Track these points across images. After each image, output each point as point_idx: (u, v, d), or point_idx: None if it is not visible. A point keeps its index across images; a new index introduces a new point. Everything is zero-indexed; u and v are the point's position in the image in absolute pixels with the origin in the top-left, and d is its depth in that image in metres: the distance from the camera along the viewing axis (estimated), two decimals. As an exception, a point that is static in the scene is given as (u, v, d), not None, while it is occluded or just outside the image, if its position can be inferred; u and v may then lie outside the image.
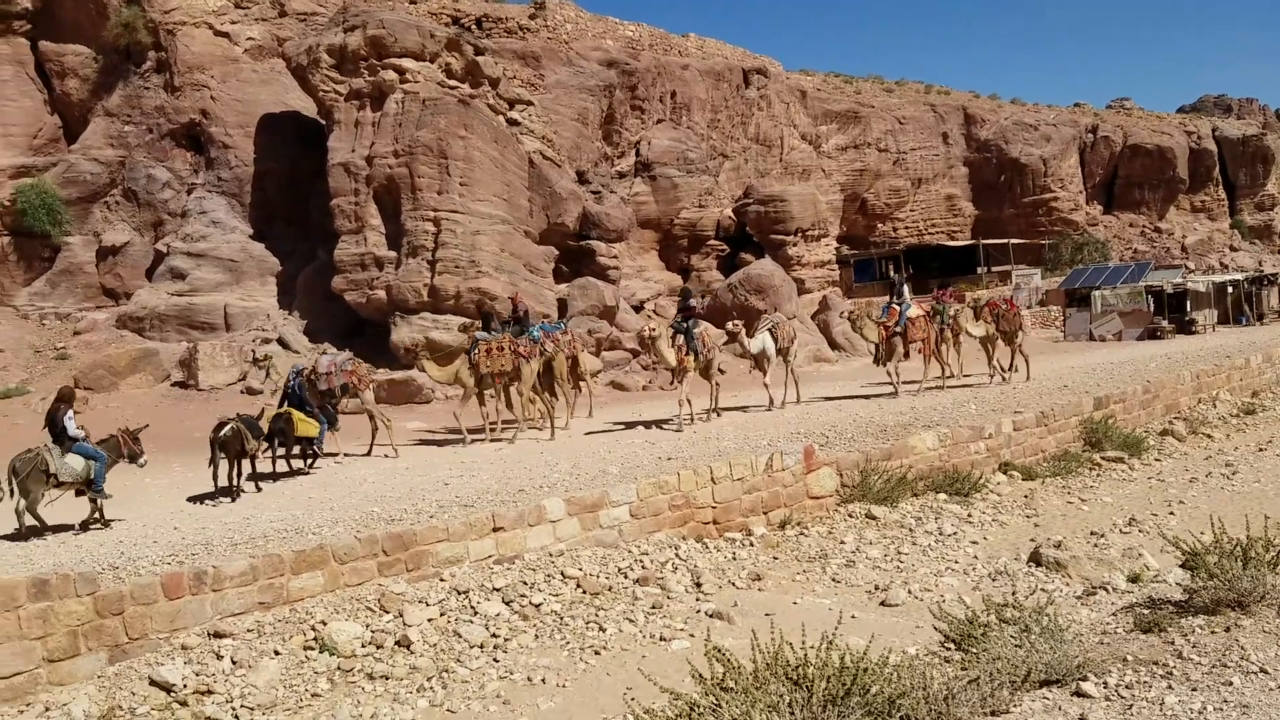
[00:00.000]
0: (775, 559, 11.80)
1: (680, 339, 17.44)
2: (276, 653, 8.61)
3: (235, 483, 13.13)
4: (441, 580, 10.11)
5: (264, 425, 14.02)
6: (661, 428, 17.13)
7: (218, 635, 8.76)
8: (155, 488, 14.24)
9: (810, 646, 5.60)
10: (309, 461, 15.33)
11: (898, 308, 20.27)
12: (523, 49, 31.24)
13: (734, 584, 10.89)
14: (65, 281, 26.40)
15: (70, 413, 11.84)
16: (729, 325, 18.80)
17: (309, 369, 16.23)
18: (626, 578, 10.63)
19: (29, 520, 11.11)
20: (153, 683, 8.17)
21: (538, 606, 9.81)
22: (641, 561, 11.06)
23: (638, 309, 31.02)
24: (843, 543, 12.30)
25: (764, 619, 9.26)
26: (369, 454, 16.36)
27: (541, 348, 17.72)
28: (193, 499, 13.13)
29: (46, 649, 8.27)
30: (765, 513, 12.99)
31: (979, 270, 44.11)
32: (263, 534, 10.31)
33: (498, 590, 10.00)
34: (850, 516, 13.23)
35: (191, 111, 26.58)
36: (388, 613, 9.42)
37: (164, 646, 8.62)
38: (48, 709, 7.90)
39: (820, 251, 35.84)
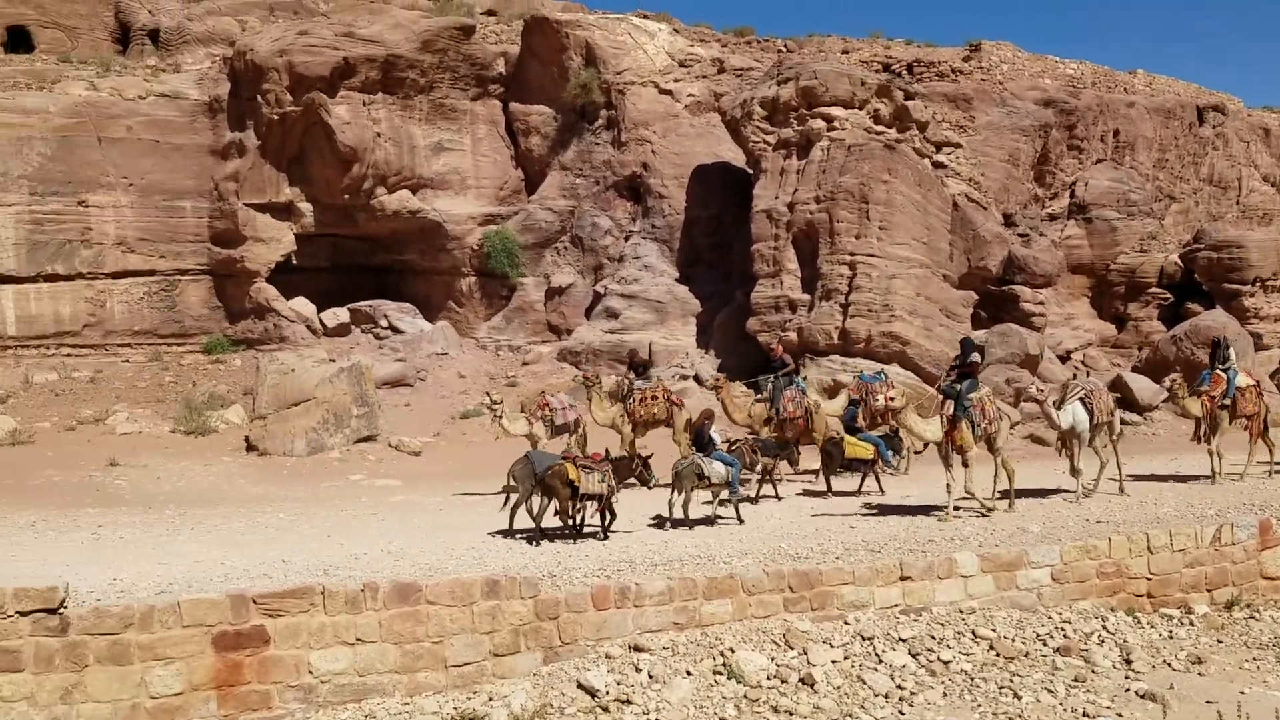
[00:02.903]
0: (1219, 642, 10.63)
1: (949, 406, 13.48)
2: (688, 673, 9.04)
3: (759, 490, 15.48)
4: (846, 623, 10.09)
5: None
6: (928, 514, 13.59)
7: (637, 649, 9.35)
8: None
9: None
10: (865, 480, 16.28)
11: (1222, 374, 16.52)
12: (954, 91, 30.69)
13: (1169, 664, 9.94)
14: (518, 318, 29.64)
15: (713, 428, 14.31)
16: (1032, 391, 15.16)
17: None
18: (1046, 645, 10.00)
19: (678, 514, 13.15)
20: (580, 686, 8.88)
21: (946, 664, 9.50)
22: (1063, 629, 10.37)
23: (1064, 359, 29.07)
24: (1305, 632, 10.74)
25: (1205, 706, 8.40)
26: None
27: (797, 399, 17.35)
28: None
29: (493, 644, 9.22)
30: (1209, 590, 11.72)
31: None
32: (679, 558, 10.86)
33: (904, 641, 9.81)
34: (1316, 604, 11.51)
35: (634, 164, 28.85)
36: (792, 649, 9.56)
37: (590, 653, 9.34)
38: (491, 699, 8.79)
39: (1284, 304, 31.60)
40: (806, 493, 16.29)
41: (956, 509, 13.45)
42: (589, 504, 12.32)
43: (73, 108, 26.33)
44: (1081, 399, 15.11)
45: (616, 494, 12.50)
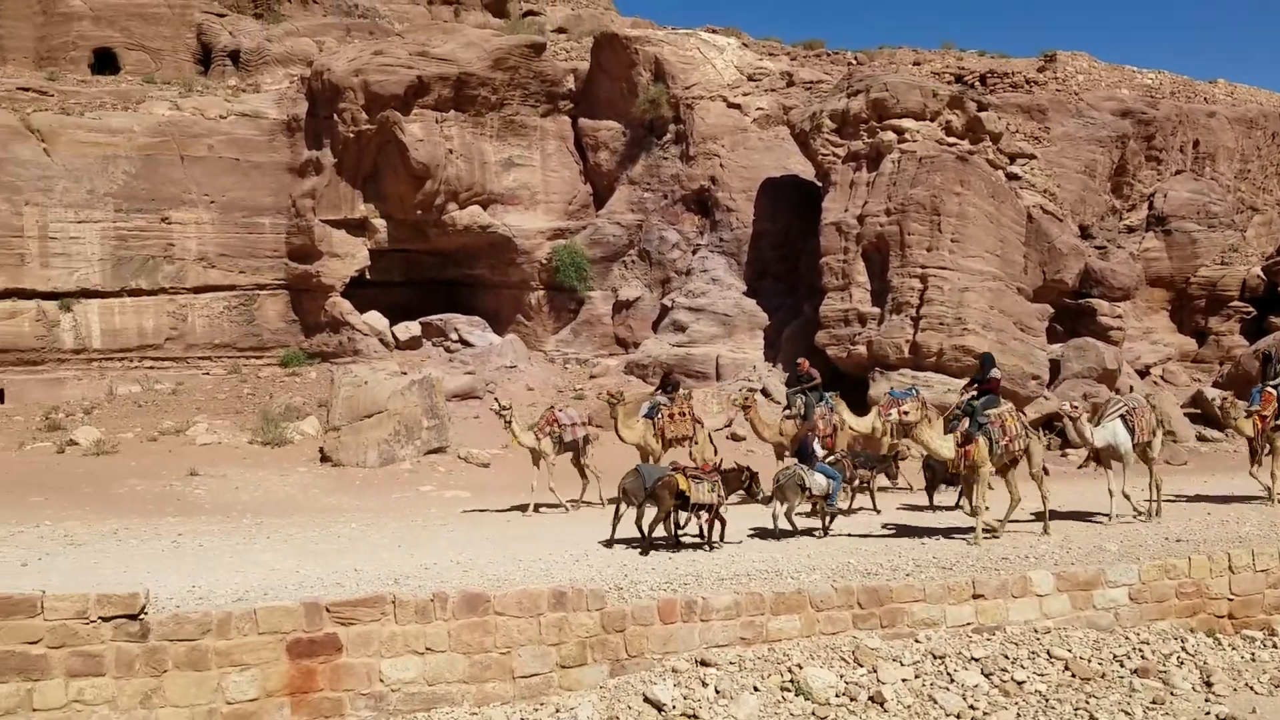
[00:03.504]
0: (1304, 665, 10.26)
1: (965, 422, 12.92)
2: (756, 689, 8.98)
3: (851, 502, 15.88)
4: (916, 641, 9.95)
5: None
6: (949, 537, 13.14)
7: (703, 663, 9.31)
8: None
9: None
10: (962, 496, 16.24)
11: (1273, 391, 15.48)
12: (1028, 102, 30.23)
13: (1251, 688, 9.69)
14: (586, 331, 29.81)
15: (816, 439, 14.60)
16: (1065, 407, 14.30)
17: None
18: (1123, 666, 9.76)
19: (784, 524, 13.30)
20: (646, 700, 8.86)
21: (1020, 684, 9.32)
22: (1141, 650, 10.11)
23: (1142, 374, 28.39)
24: (1398, 658, 10.33)
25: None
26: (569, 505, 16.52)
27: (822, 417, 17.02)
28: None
29: (560, 655, 9.24)
30: (1294, 612, 11.34)
31: None
32: (745, 572, 10.80)
33: (976, 660, 9.64)
34: None
35: (702, 178, 28.88)
36: (861, 666, 9.44)
37: (656, 667, 9.31)
38: (558, 711, 8.82)
39: (1372, 318, 30.38)
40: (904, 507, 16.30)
41: (988, 530, 13.01)
42: (698, 513, 12.60)
43: (156, 127, 27.17)
44: (1122, 416, 14.29)
45: (725, 504, 12.73)
